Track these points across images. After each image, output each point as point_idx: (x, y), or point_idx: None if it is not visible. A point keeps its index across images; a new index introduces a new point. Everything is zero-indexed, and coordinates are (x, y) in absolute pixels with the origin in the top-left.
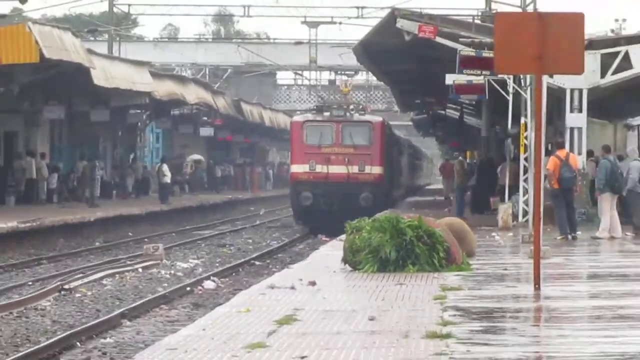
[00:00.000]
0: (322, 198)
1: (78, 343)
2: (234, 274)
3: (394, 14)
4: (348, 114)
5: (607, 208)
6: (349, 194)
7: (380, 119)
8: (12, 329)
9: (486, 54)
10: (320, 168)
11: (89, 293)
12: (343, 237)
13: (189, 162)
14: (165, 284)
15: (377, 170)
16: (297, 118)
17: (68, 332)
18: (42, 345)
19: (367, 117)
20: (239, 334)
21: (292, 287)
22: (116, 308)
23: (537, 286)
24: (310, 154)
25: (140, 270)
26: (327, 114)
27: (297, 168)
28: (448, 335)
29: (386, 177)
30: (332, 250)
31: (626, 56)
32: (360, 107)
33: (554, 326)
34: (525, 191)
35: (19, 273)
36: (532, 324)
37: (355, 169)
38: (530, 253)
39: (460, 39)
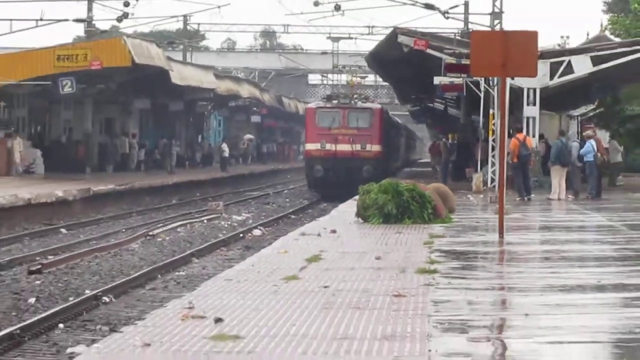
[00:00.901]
0: (331, 171)
1: (159, 275)
2: (275, 224)
3: (396, 32)
4: (352, 102)
5: (557, 177)
6: (353, 167)
7: (379, 106)
8: (110, 265)
9: (464, 61)
10: (329, 146)
11: (167, 238)
12: (356, 197)
13: (245, 140)
14: (224, 232)
15: (376, 148)
16: (311, 105)
17: (151, 267)
18: (132, 276)
19: (368, 105)
20: (279, 269)
21: (319, 234)
22: (187, 249)
23: (501, 235)
24: (322, 135)
25: (205, 221)
26: (335, 101)
27: (310, 146)
28: (434, 271)
29: (384, 153)
30: (348, 208)
31: (569, 64)
32: (363, 96)
33: (513, 265)
34: (493, 164)
35: (115, 223)
36: (497, 263)
37: (358, 147)
38: (496, 210)
39: (445, 50)
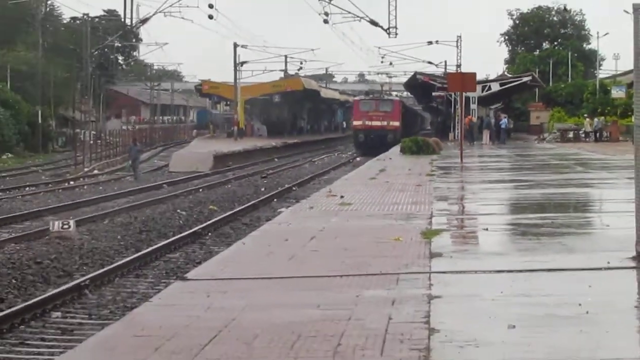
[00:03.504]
0: (368, 138)
1: (316, 177)
2: (366, 156)
3: (416, 73)
4: (381, 95)
5: (486, 134)
6: (381, 135)
7: (398, 98)
8: (295, 173)
9: (445, 85)
10: (367, 123)
11: (320, 162)
12: (399, 145)
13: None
14: (344, 159)
15: (395, 123)
16: (356, 98)
17: (312, 174)
18: (304, 178)
19: (391, 97)
20: (367, 175)
21: (384, 160)
22: (328, 167)
23: (461, 159)
24: (363, 115)
25: (336, 155)
26: (371, 96)
27: (356, 123)
28: (433, 174)
29: (400, 127)
30: (396, 149)
31: (489, 86)
32: (388, 93)
33: (467, 172)
34: (457, 129)
35: (297, 156)
36: (459, 172)
37: (385, 123)
38: (459, 148)
39: (438, 81)
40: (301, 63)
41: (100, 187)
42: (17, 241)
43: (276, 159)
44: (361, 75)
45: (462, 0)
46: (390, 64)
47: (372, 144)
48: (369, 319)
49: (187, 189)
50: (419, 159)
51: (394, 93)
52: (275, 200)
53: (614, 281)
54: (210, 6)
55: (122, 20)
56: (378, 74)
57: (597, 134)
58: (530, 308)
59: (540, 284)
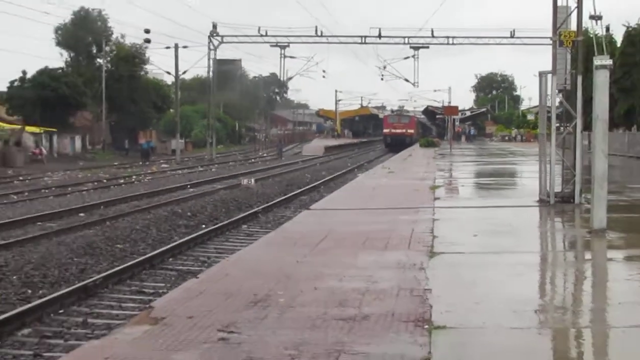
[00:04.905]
0: (393, 140)
1: (369, 163)
2: (395, 152)
3: (428, 106)
4: (402, 112)
5: (464, 137)
6: (401, 139)
7: (414, 115)
8: (356, 159)
9: (443, 112)
10: (392, 130)
11: (378, 152)
12: (418, 143)
13: None
14: (386, 150)
15: (411, 131)
16: (385, 114)
17: (371, 160)
18: (363, 163)
19: (409, 114)
20: (402, 157)
21: (411, 150)
22: (383, 154)
23: (450, 149)
24: (389, 125)
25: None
26: (395, 112)
27: (385, 130)
28: (436, 158)
29: (415, 134)
30: (416, 146)
31: (466, 113)
32: (407, 112)
33: (454, 156)
34: (448, 135)
35: (359, 150)
36: (449, 156)
37: (404, 130)
38: (449, 144)
39: (439, 110)
40: (369, 100)
41: (267, 163)
42: (224, 189)
43: (356, 150)
44: (400, 106)
45: (452, 68)
46: (415, 100)
47: (395, 144)
48: (402, 230)
49: (310, 164)
50: (429, 150)
51: (416, 117)
52: (355, 170)
53: (527, 213)
54: (324, 70)
55: (279, 78)
56: (407, 100)
57: (520, 138)
58: (485, 226)
59: (491, 213)
